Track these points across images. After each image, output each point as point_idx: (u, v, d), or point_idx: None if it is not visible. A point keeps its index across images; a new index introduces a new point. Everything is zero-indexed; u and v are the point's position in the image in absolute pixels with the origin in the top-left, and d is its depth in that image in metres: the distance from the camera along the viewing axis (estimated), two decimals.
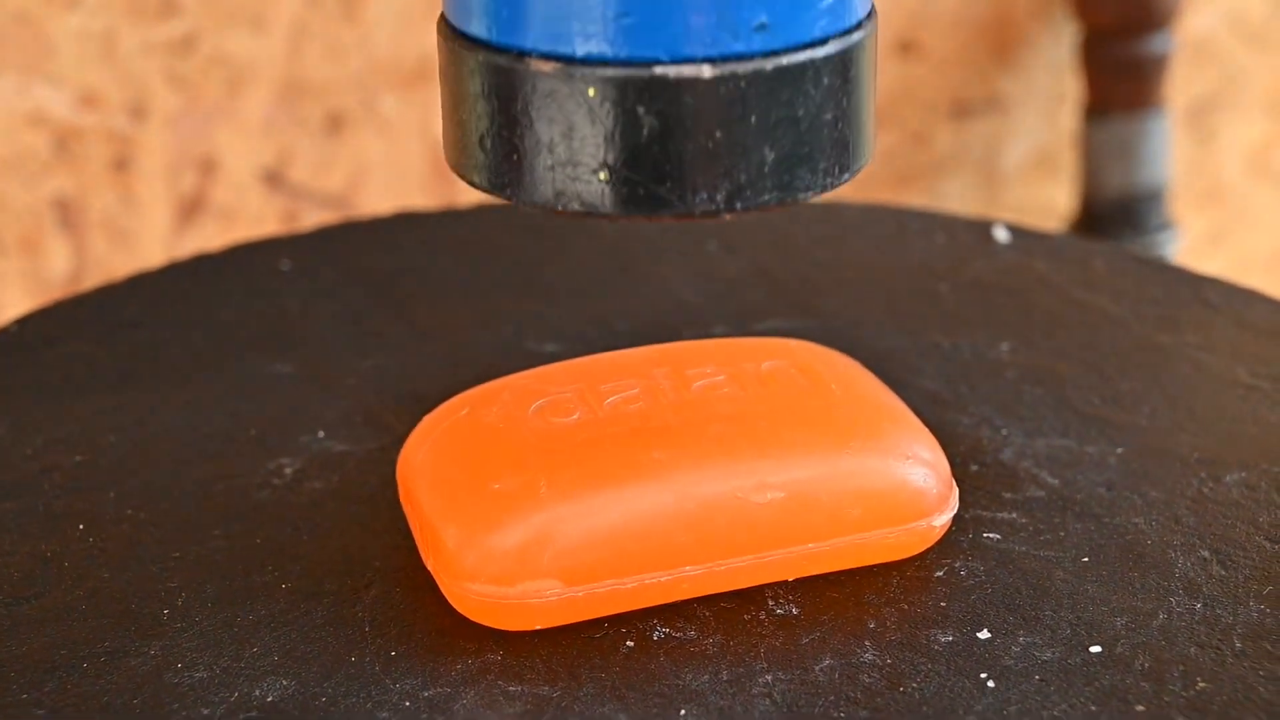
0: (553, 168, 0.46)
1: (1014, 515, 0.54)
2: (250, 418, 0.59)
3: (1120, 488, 0.55)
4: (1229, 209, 1.08)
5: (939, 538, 0.52)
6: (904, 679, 0.47)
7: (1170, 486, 0.55)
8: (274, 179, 0.93)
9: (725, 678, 0.48)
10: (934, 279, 0.70)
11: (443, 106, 0.49)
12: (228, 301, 0.66)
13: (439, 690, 0.47)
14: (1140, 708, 0.46)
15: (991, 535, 0.53)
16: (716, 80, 0.45)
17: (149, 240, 0.92)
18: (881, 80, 0.97)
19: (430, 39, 0.91)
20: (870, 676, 0.48)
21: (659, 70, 0.44)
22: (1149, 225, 0.98)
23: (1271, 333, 0.63)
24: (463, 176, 0.49)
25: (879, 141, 1.00)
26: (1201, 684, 0.47)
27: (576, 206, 0.46)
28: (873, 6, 0.49)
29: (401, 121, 0.93)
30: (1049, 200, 1.03)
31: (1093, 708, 0.46)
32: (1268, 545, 0.52)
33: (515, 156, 0.47)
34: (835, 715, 0.46)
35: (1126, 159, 0.96)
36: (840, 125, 0.47)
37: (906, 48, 0.97)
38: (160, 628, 0.49)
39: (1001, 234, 0.72)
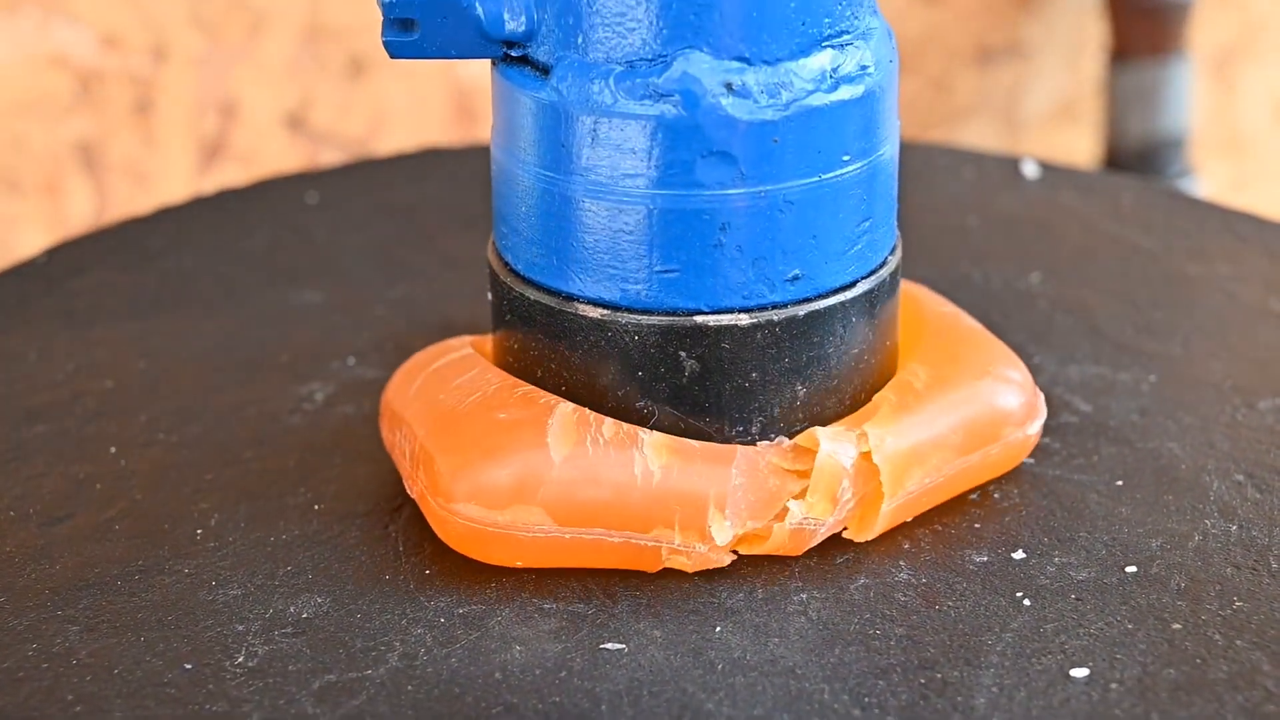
0: (600, 407, 0.48)
1: (1048, 440, 0.53)
2: (280, 344, 0.59)
3: (1153, 414, 0.55)
4: (1251, 157, 1.07)
5: (1034, 446, 0.52)
6: (939, 598, 0.47)
7: (1204, 413, 0.55)
8: (295, 123, 0.92)
9: (760, 596, 0.47)
10: (963, 212, 0.69)
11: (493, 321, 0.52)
12: (254, 233, 0.65)
13: (474, 607, 0.47)
14: (1177, 626, 0.46)
15: (1026, 460, 0.52)
16: (753, 327, 0.47)
17: (170, 183, 0.91)
18: (906, 27, 0.96)
19: None
20: (905, 595, 0.47)
21: (699, 319, 0.47)
22: (1170, 172, 0.97)
23: None
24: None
25: (904, 86, 0.99)
26: (1238, 603, 0.47)
27: None
28: (897, 236, 0.51)
29: (423, 64, 0.92)
30: (1071, 146, 1.03)
31: (1129, 625, 0.46)
32: None
33: (564, 389, 0.49)
34: (871, 633, 0.46)
35: (1149, 105, 0.96)
36: (866, 356, 0.50)
37: None
38: (193, 547, 0.49)
39: (1030, 169, 0.72)
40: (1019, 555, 0.49)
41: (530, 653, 0.45)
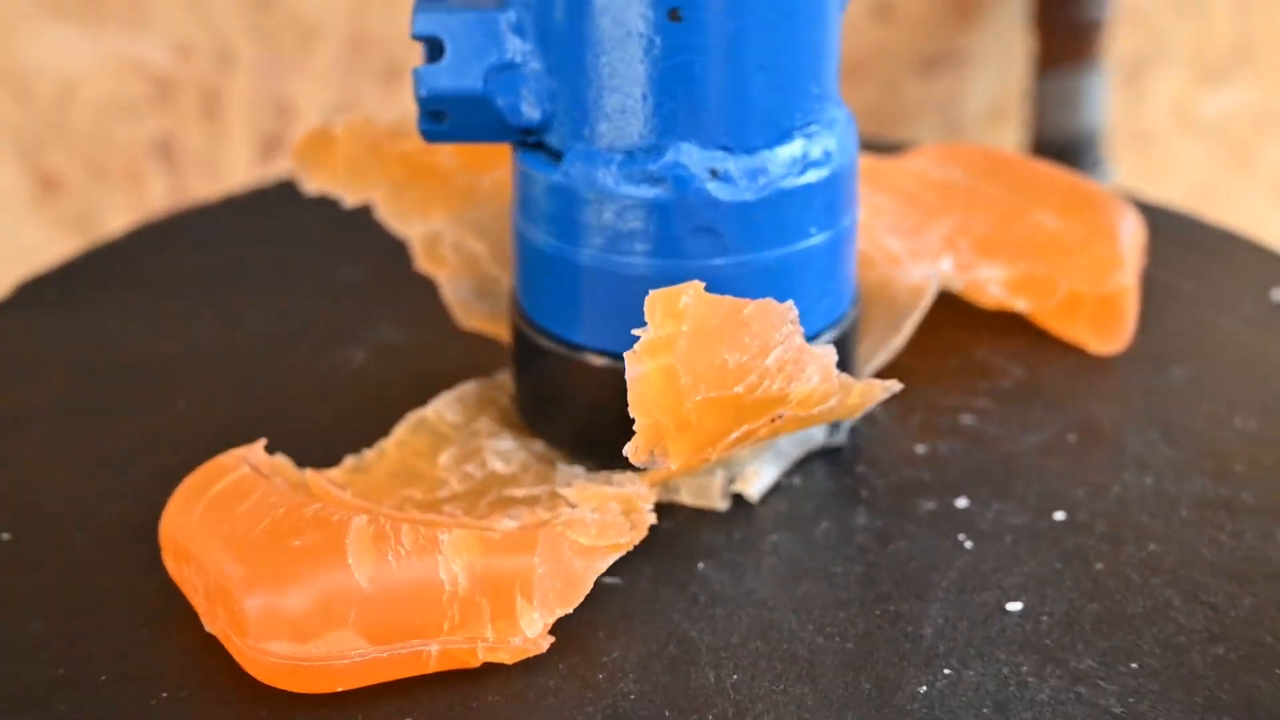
0: (596, 442, 0.47)
1: (986, 402, 0.52)
2: (325, 314, 0.57)
3: (1079, 380, 0.53)
4: (1155, 151, 1.06)
5: None
6: (892, 539, 0.46)
7: (1123, 379, 0.53)
8: None
9: (738, 537, 0.46)
10: None
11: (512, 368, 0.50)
12: (304, 219, 0.63)
13: None
14: (1099, 566, 0.44)
15: (967, 418, 0.51)
16: None
17: (234, 173, 0.90)
18: (860, 40, 0.95)
19: None
20: (863, 537, 0.46)
21: None
22: (1086, 163, 0.95)
23: (1199, 246, 0.61)
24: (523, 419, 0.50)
25: (859, 92, 0.98)
26: (1153, 546, 0.45)
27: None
28: (856, 289, 0.49)
29: None
30: (1002, 142, 1.01)
31: (1057, 565, 0.44)
32: (1207, 429, 0.50)
33: (572, 426, 0.48)
34: (833, 569, 0.44)
35: (1069, 107, 0.94)
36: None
37: (882, 12, 0.95)
38: None
39: None
40: (962, 503, 0.47)
41: None
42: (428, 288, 0.54)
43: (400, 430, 0.48)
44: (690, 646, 0.42)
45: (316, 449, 0.48)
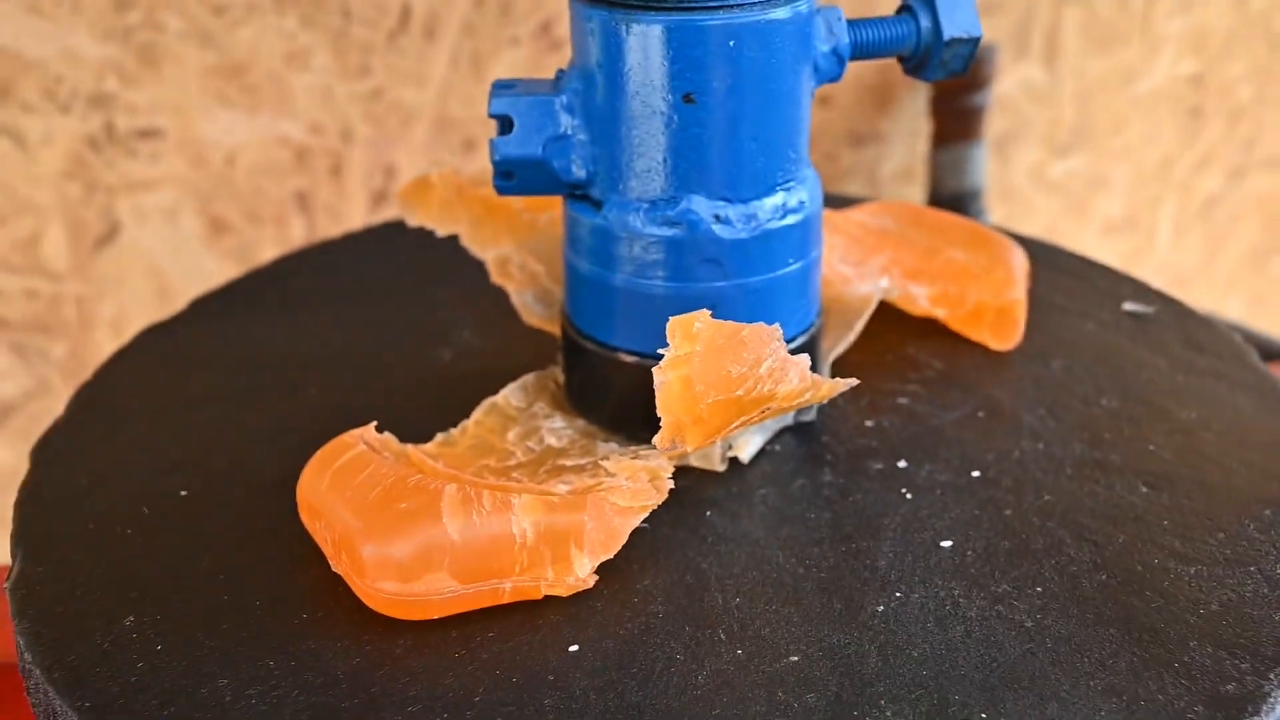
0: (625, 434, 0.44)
1: (916, 387, 0.48)
2: (421, 322, 0.54)
3: (984, 370, 0.50)
4: (1017, 204, 1.03)
5: None
6: (852, 492, 0.42)
7: (1016, 370, 0.50)
8: None
9: (734, 491, 0.42)
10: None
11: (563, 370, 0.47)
12: (406, 250, 0.60)
13: None
14: (1008, 512, 0.41)
15: (903, 400, 0.47)
16: None
17: (353, 218, 0.86)
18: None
19: None
20: (829, 491, 0.42)
21: None
22: (972, 214, 0.92)
23: (1065, 270, 0.58)
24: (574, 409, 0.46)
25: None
26: (1047, 496, 0.42)
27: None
28: (820, 306, 0.46)
29: None
30: (909, 198, 0.98)
31: (976, 511, 0.41)
32: (1081, 408, 0.47)
33: (610, 410, 0.44)
34: (808, 515, 0.41)
35: (959, 172, 0.91)
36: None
37: (823, 100, 0.92)
38: None
39: None
40: (902, 464, 0.44)
41: None
42: (500, 298, 0.51)
43: (477, 413, 0.45)
44: (702, 576, 0.39)
45: (415, 428, 0.44)
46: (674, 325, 0.38)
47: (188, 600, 0.38)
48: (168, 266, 0.85)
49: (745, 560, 0.39)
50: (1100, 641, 0.36)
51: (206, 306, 0.55)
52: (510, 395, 0.46)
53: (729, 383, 0.38)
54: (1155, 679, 0.34)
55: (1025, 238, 0.60)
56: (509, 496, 0.37)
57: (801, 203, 0.42)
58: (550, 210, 0.50)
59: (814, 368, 0.42)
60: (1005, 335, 0.50)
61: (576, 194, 0.43)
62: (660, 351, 0.38)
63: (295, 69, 0.81)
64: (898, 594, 0.38)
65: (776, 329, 0.38)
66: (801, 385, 0.39)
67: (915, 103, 0.94)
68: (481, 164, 0.87)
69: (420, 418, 0.45)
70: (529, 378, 0.47)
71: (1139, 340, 0.51)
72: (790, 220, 0.42)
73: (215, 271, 0.85)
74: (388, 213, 0.87)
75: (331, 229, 0.86)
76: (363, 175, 0.85)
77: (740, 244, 0.41)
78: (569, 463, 0.42)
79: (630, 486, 0.39)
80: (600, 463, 0.41)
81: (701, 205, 0.41)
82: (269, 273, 0.58)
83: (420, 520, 0.36)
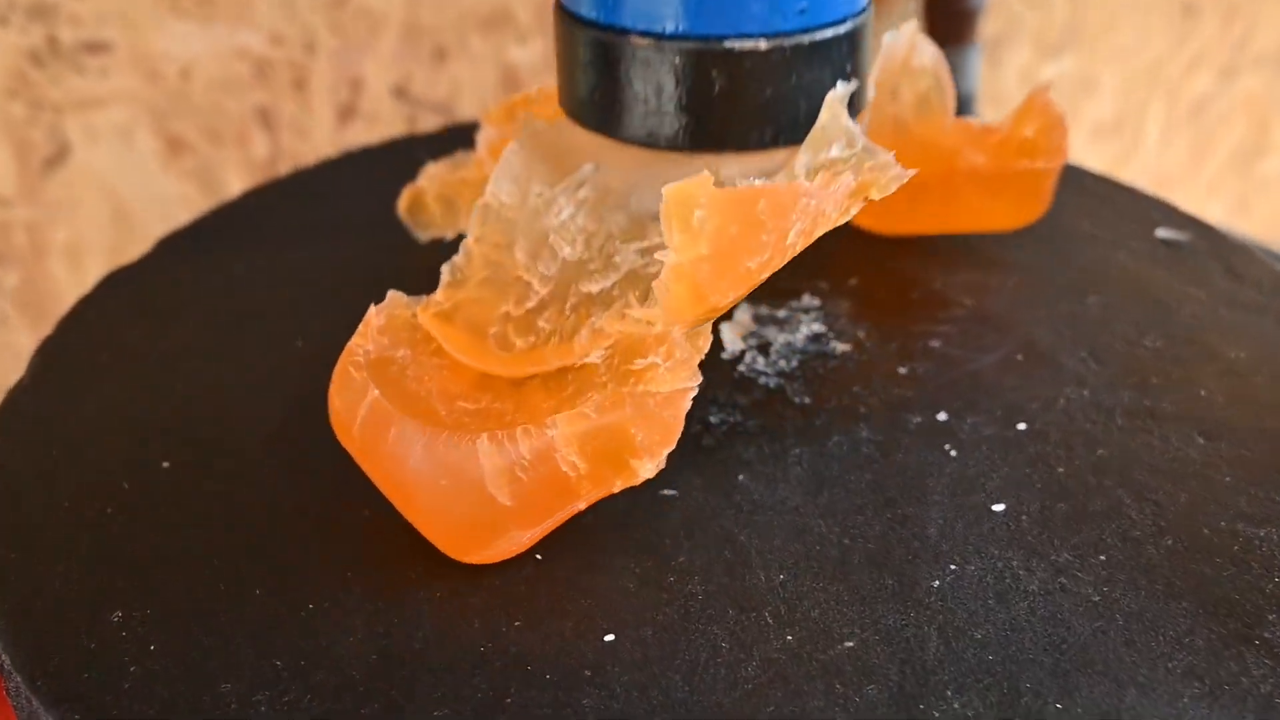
0: (645, 115, 0.38)
1: (948, 328, 0.45)
2: (404, 258, 0.50)
3: (1018, 306, 0.46)
4: (1006, 107, 0.99)
5: None
6: (892, 450, 0.39)
7: (1050, 306, 0.46)
8: (400, 92, 0.82)
9: (768, 451, 0.39)
10: None
11: (558, 68, 0.40)
12: (387, 178, 0.55)
13: None
14: (1060, 469, 0.38)
15: (935, 343, 0.44)
16: (770, 51, 0.36)
17: (319, 135, 0.81)
18: None
19: None
20: (868, 449, 0.39)
21: (727, 44, 0.36)
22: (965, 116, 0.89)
23: (1090, 193, 0.54)
24: (574, 119, 0.40)
25: None
26: (1100, 451, 0.39)
27: (662, 144, 0.38)
28: None
29: (482, 51, 0.82)
30: None
31: (1027, 470, 0.38)
32: (1124, 347, 0.44)
33: (617, 108, 0.38)
34: (846, 478, 0.38)
35: (955, 75, 0.87)
36: (854, 76, 0.38)
37: None
38: None
39: None
40: (942, 417, 0.40)
41: (601, 505, 0.36)
42: None
43: (475, 227, 0.39)
44: (741, 550, 0.35)
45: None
46: (670, 213, 0.32)
47: (178, 591, 0.34)
48: (123, 189, 0.79)
49: (786, 531, 0.36)
50: (1173, 617, 0.33)
51: (175, 246, 0.50)
52: (498, 191, 0.39)
53: (749, 276, 0.33)
54: (1236, 659, 0.32)
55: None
56: (544, 431, 0.32)
57: None
58: None
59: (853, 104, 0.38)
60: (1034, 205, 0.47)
61: None
62: (683, 32, 0.33)
63: None
64: (952, 566, 0.35)
65: (798, 188, 0.33)
66: (844, 207, 0.33)
67: (908, 4, 0.89)
68: (451, 76, 0.82)
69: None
70: (511, 153, 0.40)
71: (1176, 271, 0.48)
72: None
73: (176, 194, 0.79)
74: (355, 128, 0.81)
75: (298, 146, 0.81)
76: (329, 89, 0.80)
77: None
78: (594, 288, 0.36)
79: (666, 366, 0.33)
80: (631, 315, 0.34)
81: None
82: (240, 207, 0.53)
83: (467, 497, 0.33)
